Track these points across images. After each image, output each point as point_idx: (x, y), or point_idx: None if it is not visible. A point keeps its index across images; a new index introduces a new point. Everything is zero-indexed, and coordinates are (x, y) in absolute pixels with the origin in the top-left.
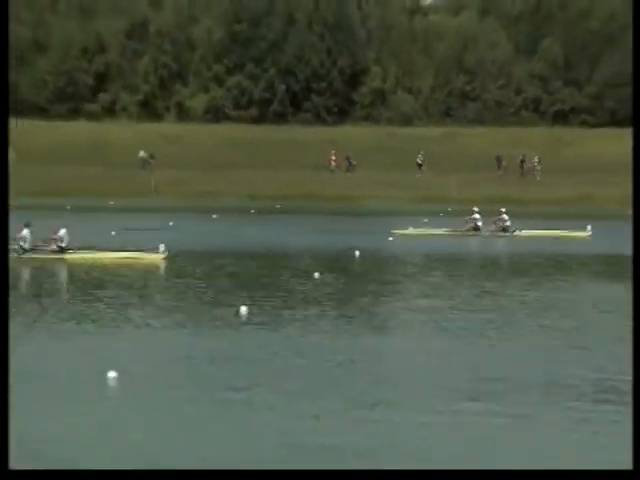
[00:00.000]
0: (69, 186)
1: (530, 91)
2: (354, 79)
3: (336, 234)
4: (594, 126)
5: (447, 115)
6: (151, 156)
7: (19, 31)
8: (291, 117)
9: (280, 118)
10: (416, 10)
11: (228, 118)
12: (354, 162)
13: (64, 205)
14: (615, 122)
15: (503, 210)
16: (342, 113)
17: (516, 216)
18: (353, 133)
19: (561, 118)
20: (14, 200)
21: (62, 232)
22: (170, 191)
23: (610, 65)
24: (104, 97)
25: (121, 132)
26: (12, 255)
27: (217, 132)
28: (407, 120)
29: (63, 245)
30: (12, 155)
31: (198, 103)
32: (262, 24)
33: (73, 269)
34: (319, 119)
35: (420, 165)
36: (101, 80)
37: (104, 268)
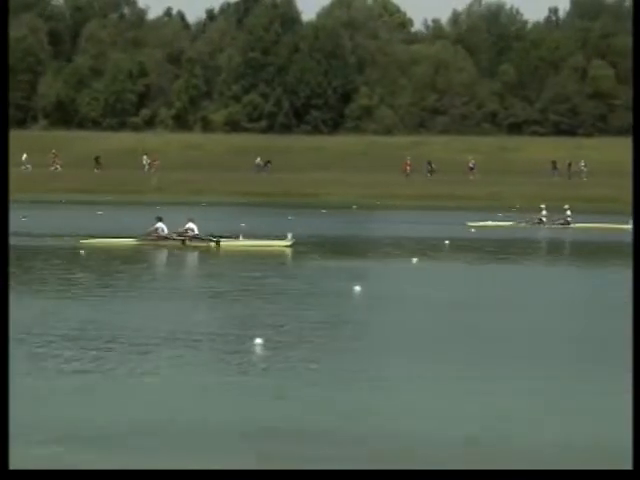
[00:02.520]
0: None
1: (489, 106)
2: (346, 97)
3: (419, 225)
4: (542, 135)
5: (421, 126)
6: (268, 162)
7: (82, 60)
8: (295, 128)
9: (285, 129)
10: (399, 40)
11: (243, 129)
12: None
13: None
14: (559, 132)
15: (566, 207)
16: (336, 125)
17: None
18: (344, 141)
19: (515, 129)
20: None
21: (191, 225)
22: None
23: (555, 85)
24: (145, 112)
25: (157, 140)
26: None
27: (234, 141)
28: (388, 131)
29: (197, 235)
30: (58, 162)
31: (219, 117)
32: (271, 52)
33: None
34: (317, 130)
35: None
36: (143, 98)
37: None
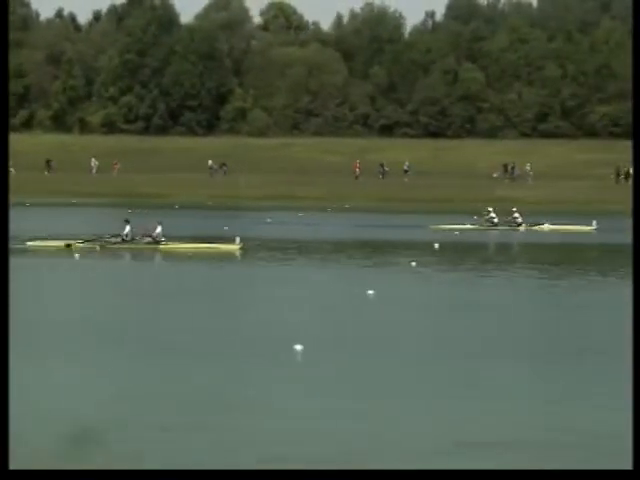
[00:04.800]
0: None
1: (361, 109)
2: (221, 99)
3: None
4: (413, 137)
5: (295, 128)
6: (223, 164)
7: None
8: (170, 129)
9: (161, 130)
10: (273, 43)
11: (120, 130)
12: (387, 169)
13: None
14: (429, 134)
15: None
16: (210, 126)
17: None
18: (218, 143)
19: (387, 130)
20: None
21: (159, 229)
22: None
23: (425, 87)
24: (23, 113)
25: (32, 142)
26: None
27: (110, 142)
28: (262, 133)
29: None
30: None
31: (97, 118)
32: (148, 54)
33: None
34: (192, 131)
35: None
36: (22, 99)
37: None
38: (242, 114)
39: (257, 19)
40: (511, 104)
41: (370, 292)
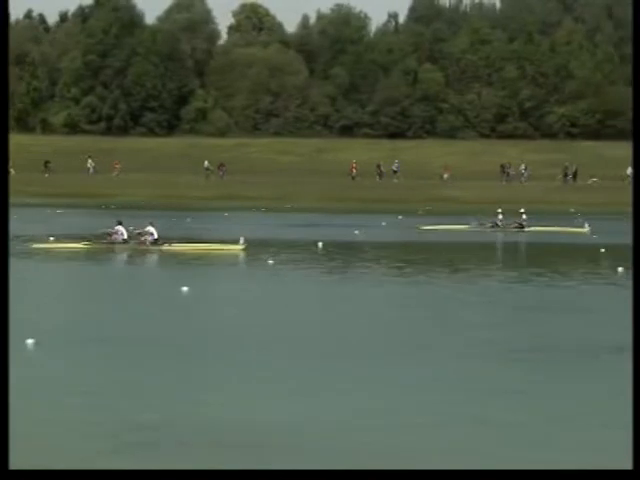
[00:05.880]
0: None
1: (322, 109)
2: (182, 99)
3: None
4: (373, 137)
5: (255, 129)
6: (221, 164)
7: None
8: (131, 130)
9: (122, 131)
10: (237, 44)
11: (82, 131)
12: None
13: None
14: (389, 134)
15: (522, 211)
16: (171, 127)
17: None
18: (176, 143)
19: (347, 131)
20: None
21: (150, 228)
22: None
23: (386, 88)
24: None
25: None
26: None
27: (71, 142)
28: (223, 133)
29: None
30: None
31: (59, 119)
32: (110, 55)
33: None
34: (152, 132)
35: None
36: None
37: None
38: (203, 115)
39: (229, 20)
40: (470, 105)
41: (185, 289)
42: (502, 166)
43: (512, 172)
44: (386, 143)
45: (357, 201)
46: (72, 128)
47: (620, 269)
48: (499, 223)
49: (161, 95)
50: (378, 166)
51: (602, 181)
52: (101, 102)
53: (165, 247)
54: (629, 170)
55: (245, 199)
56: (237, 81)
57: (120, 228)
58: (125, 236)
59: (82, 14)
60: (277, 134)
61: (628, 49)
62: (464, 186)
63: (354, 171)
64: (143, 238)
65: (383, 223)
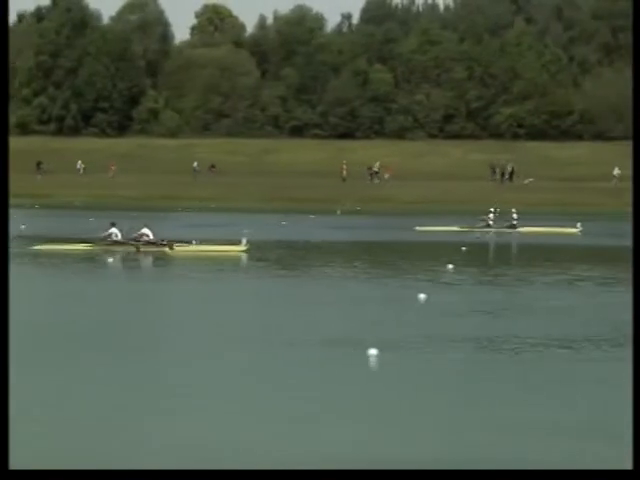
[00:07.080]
0: None
1: (272, 110)
2: (132, 100)
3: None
4: (322, 138)
5: (205, 129)
6: (212, 165)
7: None
8: (83, 130)
9: (74, 131)
10: (194, 45)
11: (34, 132)
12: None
13: None
14: (338, 135)
15: (513, 210)
16: (122, 128)
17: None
18: (126, 144)
19: (297, 131)
20: None
21: (145, 230)
22: None
23: (335, 89)
24: None
25: None
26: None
27: (23, 143)
28: (173, 134)
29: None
30: None
31: (11, 119)
32: (61, 55)
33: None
34: (103, 132)
35: None
36: None
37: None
38: (154, 115)
39: (192, 21)
40: (419, 105)
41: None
42: (492, 167)
43: (499, 172)
44: (334, 143)
45: (287, 201)
46: (23, 129)
47: (450, 266)
48: (490, 223)
49: (112, 95)
50: (369, 168)
51: (545, 182)
52: (52, 102)
53: (167, 250)
54: (616, 170)
55: (179, 199)
56: (188, 82)
57: (114, 230)
58: (119, 237)
59: (38, 14)
60: (227, 135)
61: (576, 50)
62: (403, 185)
63: (344, 172)
64: (139, 236)
65: (283, 222)
